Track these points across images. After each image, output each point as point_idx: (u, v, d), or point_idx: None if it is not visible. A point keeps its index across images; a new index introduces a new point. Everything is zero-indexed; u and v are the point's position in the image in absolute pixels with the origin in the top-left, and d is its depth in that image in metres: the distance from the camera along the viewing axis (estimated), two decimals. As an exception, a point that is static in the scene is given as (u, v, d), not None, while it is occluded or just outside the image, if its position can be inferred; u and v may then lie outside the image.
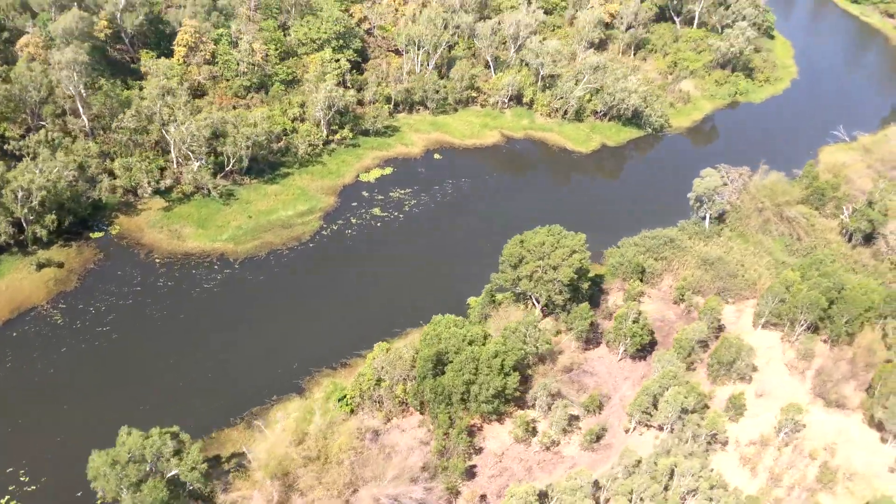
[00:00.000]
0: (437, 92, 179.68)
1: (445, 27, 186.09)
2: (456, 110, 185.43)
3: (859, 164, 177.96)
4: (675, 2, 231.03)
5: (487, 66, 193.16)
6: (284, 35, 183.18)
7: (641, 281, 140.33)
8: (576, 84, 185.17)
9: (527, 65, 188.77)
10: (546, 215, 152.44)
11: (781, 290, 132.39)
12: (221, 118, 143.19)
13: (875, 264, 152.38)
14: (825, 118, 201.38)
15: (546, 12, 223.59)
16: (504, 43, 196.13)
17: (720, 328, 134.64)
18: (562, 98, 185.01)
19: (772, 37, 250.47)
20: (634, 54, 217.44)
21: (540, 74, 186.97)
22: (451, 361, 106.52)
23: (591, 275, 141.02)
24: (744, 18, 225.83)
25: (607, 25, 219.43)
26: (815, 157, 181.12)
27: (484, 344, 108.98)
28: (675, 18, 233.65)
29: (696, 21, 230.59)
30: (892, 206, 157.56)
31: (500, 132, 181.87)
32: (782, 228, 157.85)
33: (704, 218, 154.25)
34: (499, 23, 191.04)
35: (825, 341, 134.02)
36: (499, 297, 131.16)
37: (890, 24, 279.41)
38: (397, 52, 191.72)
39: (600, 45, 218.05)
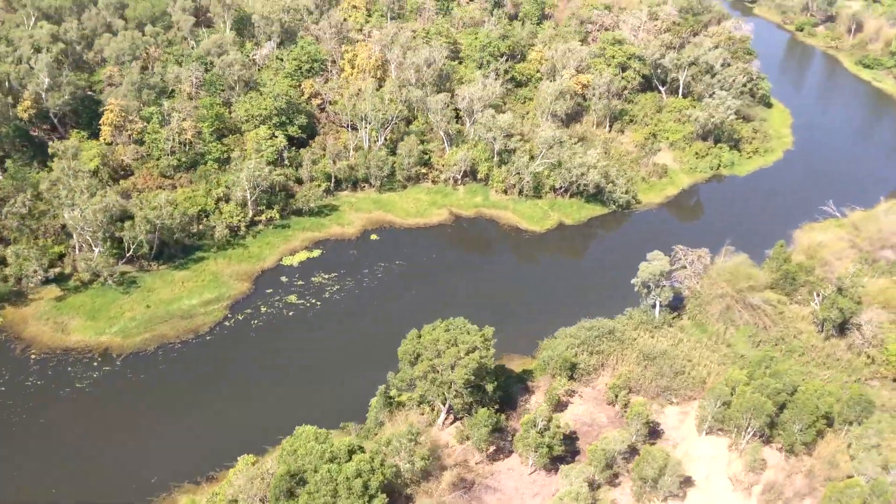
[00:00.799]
0: (381, 168, 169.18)
1: (392, 101, 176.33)
2: (405, 187, 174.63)
3: (842, 243, 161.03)
4: (660, 70, 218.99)
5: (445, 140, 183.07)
6: (229, 112, 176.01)
7: (572, 378, 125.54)
8: (531, 159, 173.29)
9: (482, 139, 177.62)
10: (483, 301, 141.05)
11: (726, 391, 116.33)
12: (117, 201, 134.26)
13: (850, 358, 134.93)
14: (817, 192, 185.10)
15: (519, 84, 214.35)
16: (459, 118, 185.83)
17: (657, 434, 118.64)
18: (518, 174, 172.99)
19: (769, 105, 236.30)
20: (611, 126, 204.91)
21: (495, 149, 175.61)
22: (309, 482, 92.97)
23: (520, 370, 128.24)
24: (730, 87, 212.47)
25: (585, 97, 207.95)
26: (792, 236, 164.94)
27: (349, 460, 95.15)
28: (661, 88, 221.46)
29: (680, 90, 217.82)
30: (867, 292, 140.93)
31: (449, 210, 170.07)
32: (746, 317, 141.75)
33: (654, 305, 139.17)
34: (451, 96, 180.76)
35: (780, 450, 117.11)
36: (403, 397, 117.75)
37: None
38: (350, 128, 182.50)
39: (575, 118, 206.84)
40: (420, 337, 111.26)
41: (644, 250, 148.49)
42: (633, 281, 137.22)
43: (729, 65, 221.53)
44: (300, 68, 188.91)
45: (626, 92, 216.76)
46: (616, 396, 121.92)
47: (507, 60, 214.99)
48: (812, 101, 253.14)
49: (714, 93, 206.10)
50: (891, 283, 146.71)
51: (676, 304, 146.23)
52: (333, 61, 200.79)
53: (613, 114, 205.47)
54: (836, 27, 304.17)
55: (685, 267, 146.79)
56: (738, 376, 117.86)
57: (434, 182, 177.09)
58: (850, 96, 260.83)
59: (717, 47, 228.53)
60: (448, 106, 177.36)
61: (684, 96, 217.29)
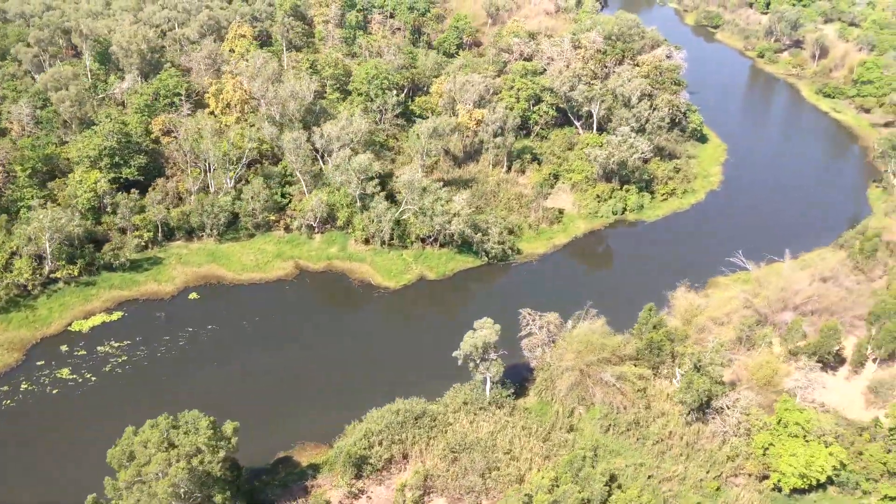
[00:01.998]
0: (217, 216, 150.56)
1: (239, 138, 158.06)
2: (252, 236, 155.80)
3: (734, 303, 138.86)
4: (573, 103, 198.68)
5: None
6: (66, 153, 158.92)
7: (360, 476, 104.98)
8: (393, 204, 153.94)
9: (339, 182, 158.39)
10: (295, 376, 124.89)
11: (523, 499, 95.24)
12: None
13: (712, 450, 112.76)
14: (733, 240, 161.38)
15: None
16: (322, 158, 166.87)
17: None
18: (379, 221, 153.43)
19: (703, 139, 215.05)
20: (509, 166, 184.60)
21: (354, 193, 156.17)
22: None
23: (309, 463, 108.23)
24: (647, 121, 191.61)
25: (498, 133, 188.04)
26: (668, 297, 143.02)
27: None
28: (577, 122, 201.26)
29: (595, 125, 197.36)
30: (746, 365, 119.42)
31: (296, 263, 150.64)
32: (600, 395, 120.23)
33: (486, 381, 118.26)
34: (308, 135, 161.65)
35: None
36: None
37: (865, 120, 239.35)
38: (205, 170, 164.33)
39: (474, 157, 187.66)
40: (136, 435, 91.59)
41: (508, 309, 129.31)
42: (454, 354, 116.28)
43: (651, 96, 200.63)
44: (155, 102, 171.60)
45: (538, 127, 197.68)
46: (406, 499, 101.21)
47: (405, 93, 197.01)
48: (757, 135, 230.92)
49: (643, 126, 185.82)
50: (776, 356, 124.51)
51: (527, 377, 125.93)
52: (204, 95, 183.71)
53: (514, 152, 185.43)
54: (801, 53, 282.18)
55: (533, 333, 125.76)
56: (542, 481, 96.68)
57: (287, 230, 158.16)
58: (802, 129, 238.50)
59: (647, 77, 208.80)
60: (301, 146, 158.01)
61: (600, 131, 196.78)
